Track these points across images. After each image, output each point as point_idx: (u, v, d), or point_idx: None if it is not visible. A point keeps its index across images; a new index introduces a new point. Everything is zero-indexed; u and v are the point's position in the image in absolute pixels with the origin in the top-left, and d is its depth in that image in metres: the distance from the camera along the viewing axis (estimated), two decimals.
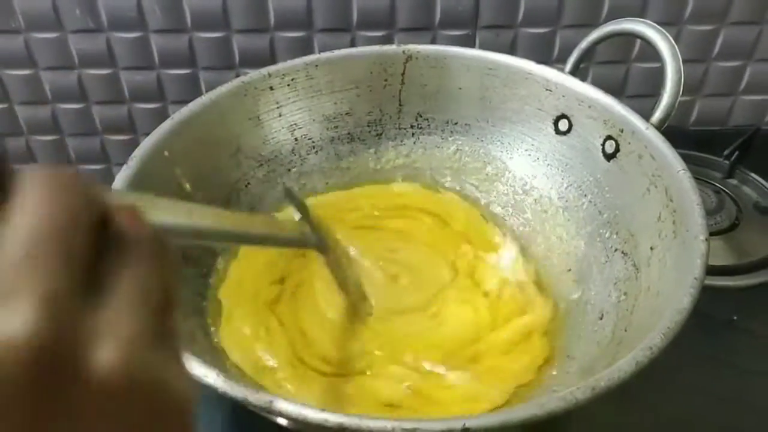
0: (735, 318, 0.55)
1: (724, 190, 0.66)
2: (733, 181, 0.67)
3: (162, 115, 0.53)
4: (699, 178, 0.67)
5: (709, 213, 0.62)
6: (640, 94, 0.71)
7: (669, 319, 0.34)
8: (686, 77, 0.70)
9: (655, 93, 0.49)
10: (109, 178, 0.41)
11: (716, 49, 0.69)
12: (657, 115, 0.47)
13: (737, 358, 0.52)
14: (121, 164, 0.44)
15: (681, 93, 0.46)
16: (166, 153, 0.46)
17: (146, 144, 0.45)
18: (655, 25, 0.47)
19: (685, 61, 0.68)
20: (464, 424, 0.29)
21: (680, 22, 0.67)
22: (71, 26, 0.64)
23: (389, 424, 0.29)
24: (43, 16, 0.63)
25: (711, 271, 0.57)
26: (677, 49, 0.46)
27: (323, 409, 0.30)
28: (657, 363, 0.45)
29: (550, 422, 0.46)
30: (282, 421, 0.34)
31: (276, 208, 0.54)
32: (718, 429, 0.47)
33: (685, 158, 0.43)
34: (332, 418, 0.29)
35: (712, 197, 0.64)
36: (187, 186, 0.47)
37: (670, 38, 0.46)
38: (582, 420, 0.47)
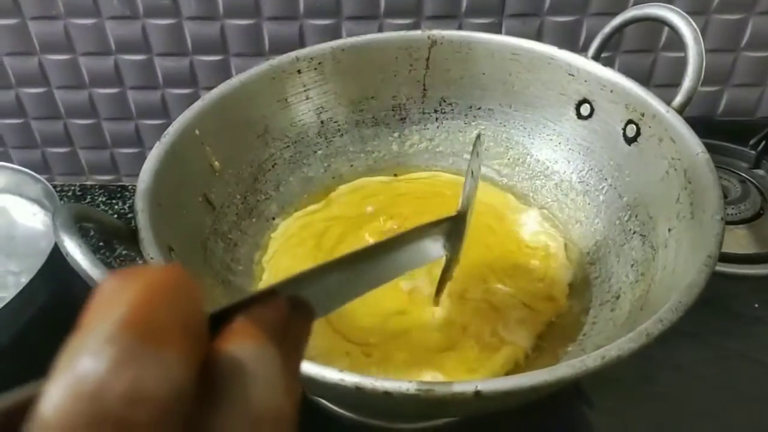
0: (756, 306, 0.55)
1: (749, 180, 0.65)
2: (760, 172, 0.67)
3: (194, 101, 0.55)
4: (725, 168, 0.67)
5: (734, 202, 0.62)
6: (667, 84, 0.70)
7: (681, 294, 0.34)
8: (714, 67, 0.70)
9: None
10: (143, 161, 0.43)
11: (745, 39, 0.69)
12: (678, 99, 0.47)
13: (758, 347, 0.52)
14: None
15: (702, 77, 0.46)
16: (196, 131, 0.48)
17: (178, 123, 0.47)
18: (677, 9, 0.47)
19: (713, 51, 0.69)
20: (476, 387, 0.30)
21: (708, 12, 0.67)
22: (108, 13, 0.66)
23: (404, 385, 0.30)
24: (81, 4, 0.65)
25: (734, 259, 0.57)
26: (699, 33, 0.46)
27: (341, 370, 0.31)
28: (678, 353, 0.46)
29: (570, 404, 0.47)
30: (304, 384, 0.35)
31: (302, 188, 0.56)
32: (740, 420, 0.47)
33: (712, 148, 0.43)
34: (348, 378, 0.31)
35: (737, 186, 0.64)
36: (217, 164, 0.49)
37: (692, 22, 0.46)
38: (602, 412, 0.48)
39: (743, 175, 0.66)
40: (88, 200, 0.76)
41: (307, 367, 0.31)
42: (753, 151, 0.68)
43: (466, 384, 0.30)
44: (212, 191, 0.48)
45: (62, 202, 0.74)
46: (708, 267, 0.36)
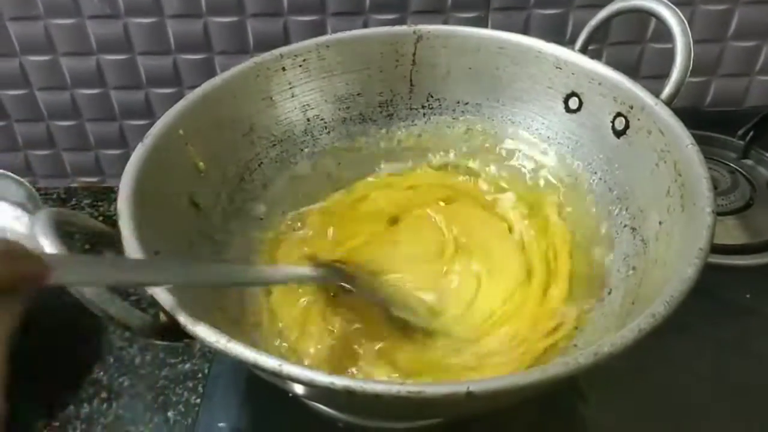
0: (748, 297, 0.55)
1: (738, 170, 0.65)
2: (748, 161, 0.67)
3: (179, 100, 0.54)
4: (714, 159, 0.66)
5: (724, 192, 0.62)
6: (655, 75, 0.70)
7: (673, 288, 0.34)
8: (701, 57, 0.70)
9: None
10: (128, 161, 0.43)
11: (731, 29, 0.68)
12: (666, 90, 0.46)
13: (751, 339, 0.52)
14: None
15: (691, 68, 0.46)
16: (180, 132, 0.47)
17: (161, 123, 0.46)
18: (664, 0, 0.47)
19: (700, 42, 0.69)
20: (468, 388, 0.30)
21: (695, 2, 0.66)
22: (89, 12, 0.65)
23: (394, 387, 0.30)
24: (61, 3, 0.64)
25: (725, 250, 0.57)
26: (686, 24, 0.46)
27: (330, 373, 0.30)
28: (670, 345, 0.46)
29: (562, 398, 0.47)
30: (297, 388, 0.35)
31: (290, 186, 0.55)
32: (732, 410, 0.47)
33: (700, 139, 0.43)
34: (338, 381, 0.30)
35: (726, 177, 0.64)
36: (201, 164, 0.48)
37: (680, 13, 0.46)
38: (594, 403, 0.48)
39: (732, 165, 0.66)
40: (72, 203, 0.75)
41: (297, 371, 0.31)
42: (741, 141, 0.67)
43: (457, 385, 0.30)
44: (197, 192, 0.48)
45: (46, 205, 0.73)
46: (700, 260, 0.35)
